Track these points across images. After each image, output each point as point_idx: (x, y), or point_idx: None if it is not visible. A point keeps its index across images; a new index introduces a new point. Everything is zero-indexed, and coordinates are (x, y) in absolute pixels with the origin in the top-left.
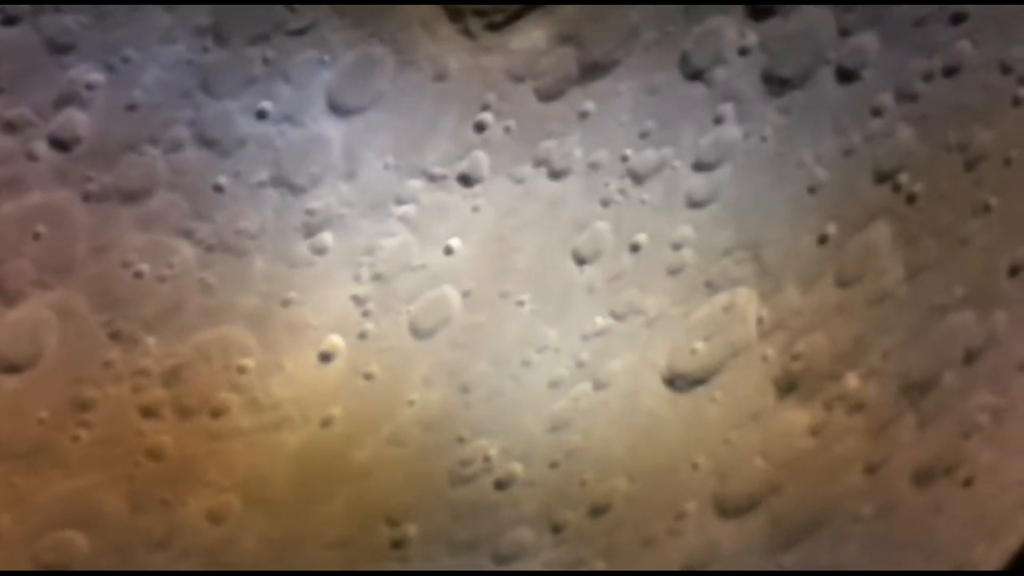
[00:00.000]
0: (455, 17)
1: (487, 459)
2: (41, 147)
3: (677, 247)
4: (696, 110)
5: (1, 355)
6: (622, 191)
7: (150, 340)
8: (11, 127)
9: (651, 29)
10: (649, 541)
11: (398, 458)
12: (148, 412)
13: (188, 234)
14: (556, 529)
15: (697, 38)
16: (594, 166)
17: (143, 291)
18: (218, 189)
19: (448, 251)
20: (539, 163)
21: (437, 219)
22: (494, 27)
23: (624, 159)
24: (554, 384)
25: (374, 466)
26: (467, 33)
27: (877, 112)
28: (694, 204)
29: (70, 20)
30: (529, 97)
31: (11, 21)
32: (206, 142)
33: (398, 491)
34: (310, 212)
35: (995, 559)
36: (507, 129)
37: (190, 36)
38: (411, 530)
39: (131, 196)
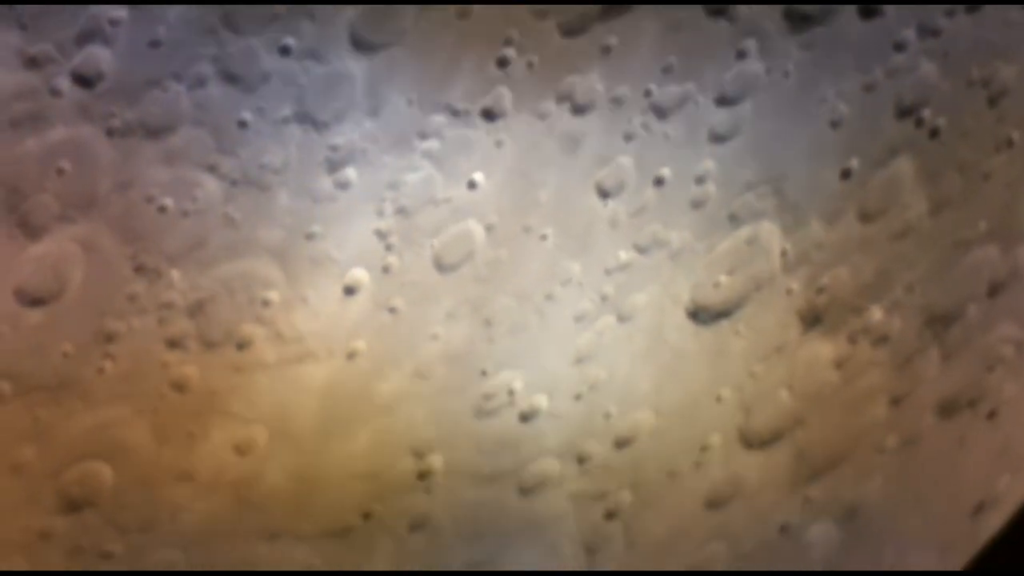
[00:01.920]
0: None
1: (511, 392)
2: (64, 83)
3: (700, 181)
4: (719, 45)
5: (25, 289)
6: (645, 126)
7: (174, 273)
8: (34, 63)
9: None
10: (674, 473)
11: (422, 392)
12: (173, 344)
13: (212, 169)
14: (580, 461)
15: None
16: (617, 101)
17: (167, 225)
18: (242, 125)
19: (471, 185)
20: (562, 98)
21: (460, 154)
22: None
23: (647, 94)
24: (578, 318)
25: (398, 399)
26: None
27: (899, 47)
28: (717, 139)
29: None
30: (552, 33)
31: None
32: (230, 78)
33: (422, 424)
34: (333, 147)
35: (1019, 491)
36: (530, 65)
37: None
38: (436, 462)
39: (155, 132)
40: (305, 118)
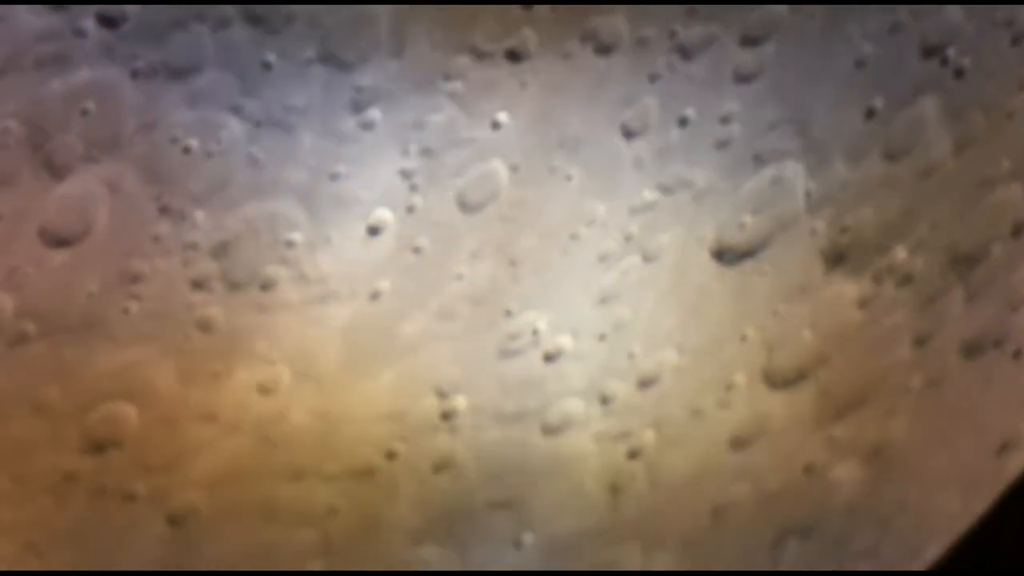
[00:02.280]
0: None
1: (535, 332)
2: (89, 24)
3: (725, 121)
4: None
5: (50, 229)
6: (670, 66)
7: (199, 214)
8: (58, 5)
9: None
10: (698, 413)
11: (446, 332)
12: (197, 285)
13: (236, 110)
14: (604, 401)
15: None
16: (642, 42)
17: (191, 166)
18: (266, 66)
19: (496, 126)
20: (586, 38)
21: (485, 95)
22: None
23: (672, 35)
24: (602, 258)
25: (422, 340)
26: None
27: None
28: (742, 79)
29: None
30: None
31: None
32: (254, 19)
33: (446, 364)
34: (358, 88)
35: None
36: (554, 5)
37: None
38: (460, 402)
39: (179, 73)
40: (329, 59)
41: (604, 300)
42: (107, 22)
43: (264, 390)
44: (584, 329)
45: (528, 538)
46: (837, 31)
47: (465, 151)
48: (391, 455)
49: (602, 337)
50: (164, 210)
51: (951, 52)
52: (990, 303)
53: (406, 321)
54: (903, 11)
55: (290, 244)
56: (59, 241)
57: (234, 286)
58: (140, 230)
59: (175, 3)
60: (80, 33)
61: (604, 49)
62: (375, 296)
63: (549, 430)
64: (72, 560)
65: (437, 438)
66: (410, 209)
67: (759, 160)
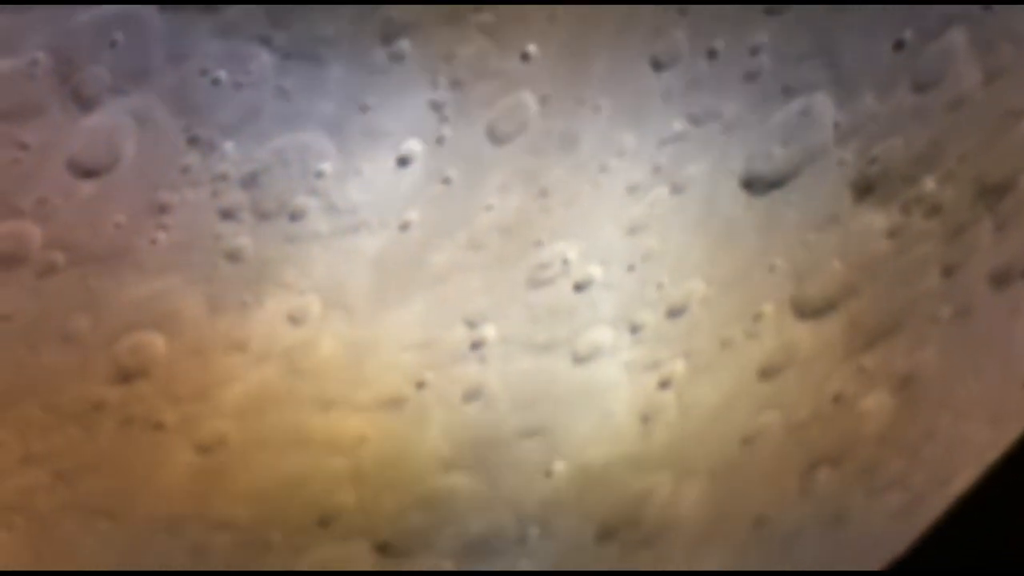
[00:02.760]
0: None
1: (565, 262)
2: None
3: (754, 53)
4: None
5: (79, 160)
6: None
7: (228, 145)
8: None
9: None
10: (727, 342)
11: (476, 262)
12: (226, 215)
13: (265, 41)
14: (634, 330)
15: None
16: None
17: (221, 97)
18: None
19: (525, 58)
20: None
21: (514, 26)
22: None
23: None
24: (631, 189)
25: (452, 270)
26: None
27: None
28: (771, 11)
29: None
30: None
31: None
32: None
33: (476, 294)
34: (387, 20)
35: None
36: None
37: None
38: (489, 332)
39: (208, 4)
40: None
41: (633, 230)
42: None
43: (294, 320)
44: (613, 259)
45: (559, 466)
46: None
47: (495, 83)
48: (421, 384)
49: (631, 267)
50: (193, 141)
51: None
52: (1018, 233)
53: (435, 251)
54: None
55: (320, 175)
56: (87, 172)
57: (263, 216)
58: (169, 161)
59: None
60: None
61: None
62: (405, 227)
63: (579, 359)
64: (101, 489)
65: (467, 367)
66: (440, 140)
67: (788, 92)
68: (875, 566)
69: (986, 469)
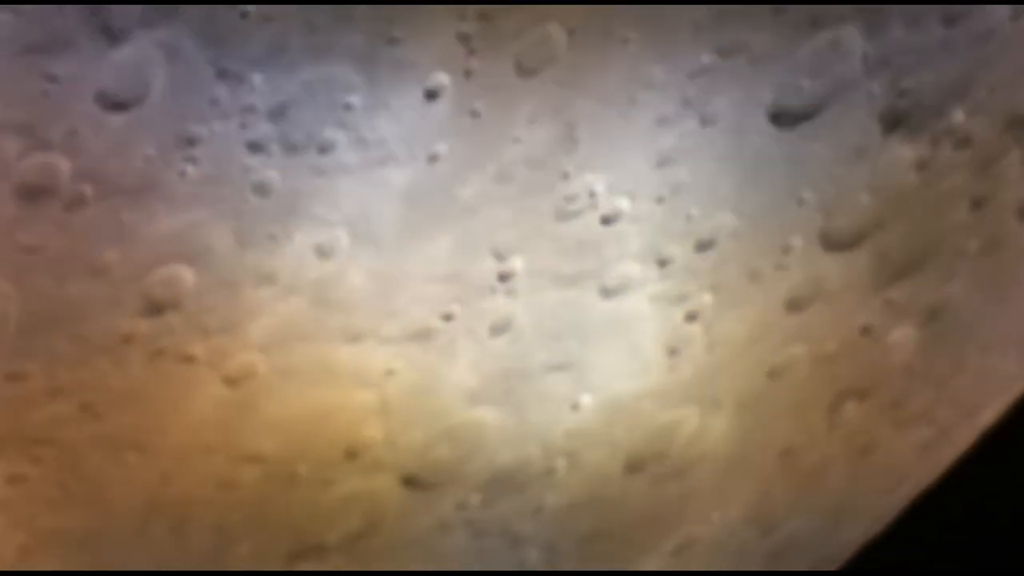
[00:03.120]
0: None
1: (593, 195)
2: None
3: None
4: None
5: (107, 93)
6: None
7: (256, 78)
8: None
9: None
10: (755, 275)
11: (504, 195)
12: (255, 148)
13: None
14: (662, 263)
15: None
16: None
17: (249, 30)
18: None
19: None
20: None
21: None
22: None
23: None
24: (660, 121)
25: (480, 202)
26: None
27: None
28: None
29: None
30: None
31: None
32: None
33: (504, 227)
34: None
35: None
36: None
37: None
38: (517, 265)
39: None
40: None
41: (662, 163)
42: None
43: (322, 253)
44: (642, 192)
45: (586, 399)
46: None
47: (522, 15)
48: (448, 317)
49: (660, 200)
50: (222, 74)
51: None
52: None
53: (463, 184)
54: None
55: (348, 108)
56: (117, 105)
57: (291, 149)
58: (198, 93)
59: None
60: None
61: None
62: (433, 160)
63: (606, 292)
64: (129, 421)
65: (494, 300)
66: (467, 73)
67: (816, 23)
68: (901, 499)
69: (1014, 401)
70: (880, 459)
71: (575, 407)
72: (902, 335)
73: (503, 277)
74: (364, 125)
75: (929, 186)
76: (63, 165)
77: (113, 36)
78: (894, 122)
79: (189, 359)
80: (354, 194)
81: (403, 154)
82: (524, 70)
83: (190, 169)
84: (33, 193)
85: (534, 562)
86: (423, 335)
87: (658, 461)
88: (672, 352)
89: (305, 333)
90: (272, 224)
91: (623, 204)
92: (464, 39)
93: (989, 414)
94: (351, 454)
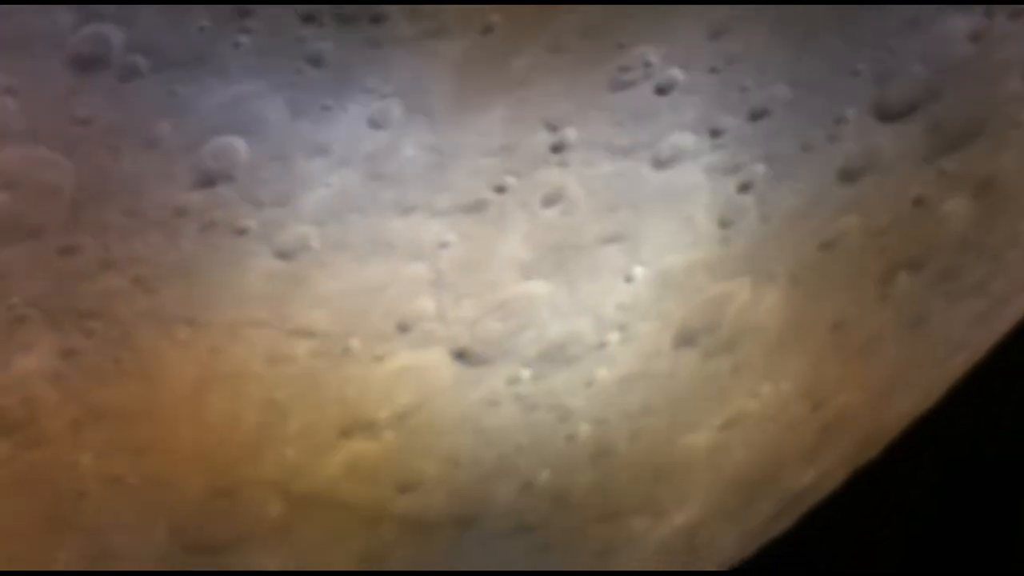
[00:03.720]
0: None
1: (647, 64)
2: None
3: None
4: None
5: None
6: None
7: None
8: None
9: None
10: (808, 146)
11: (558, 65)
12: (308, 19)
13: None
14: (715, 134)
15: None
16: None
17: None
18: None
19: None
20: None
21: None
22: None
23: None
24: None
25: (533, 73)
26: None
27: None
28: None
29: None
30: None
31: None
32: None
33: (557, 98)
34: None
35: None
36: None
37: None
38: (571, 135)
39: None
40: None
41: (716, 34)
42: None
43: (375, 124)
44: (696, 62)
45: (638, 271)
46: None
47: None
48: (501, 189)
49: (714, 70)
50: None
51: None
52: None
53: (517, 55)
54: None
55: None
56: None
57: (345, 20)
58: None
59: None
60: None
61: None
62: (487, 30)
63: (660, 163)
64: (181, 295)
65: (547, 172)
66: None
67: None
68: (954, 371)
69: None
70: (933, 332)
71: (627, 279)
72: (956, 206)
73: (556, 148)
74: None
75: (983, 57)
76: (116, 36)
77: None
78: None
79: (241, 232)
80: (407, 65)
81: (456, 24)
82: None
83: (244, 40)
84: (85, 63)
85: (584, 437)
86: (476, 207)
87: (709, 334)
88: (725, 224)
89: (358, 205)
90: (325, 96)
91: (677, 74)
92: None
93: None
94: (403, 327)
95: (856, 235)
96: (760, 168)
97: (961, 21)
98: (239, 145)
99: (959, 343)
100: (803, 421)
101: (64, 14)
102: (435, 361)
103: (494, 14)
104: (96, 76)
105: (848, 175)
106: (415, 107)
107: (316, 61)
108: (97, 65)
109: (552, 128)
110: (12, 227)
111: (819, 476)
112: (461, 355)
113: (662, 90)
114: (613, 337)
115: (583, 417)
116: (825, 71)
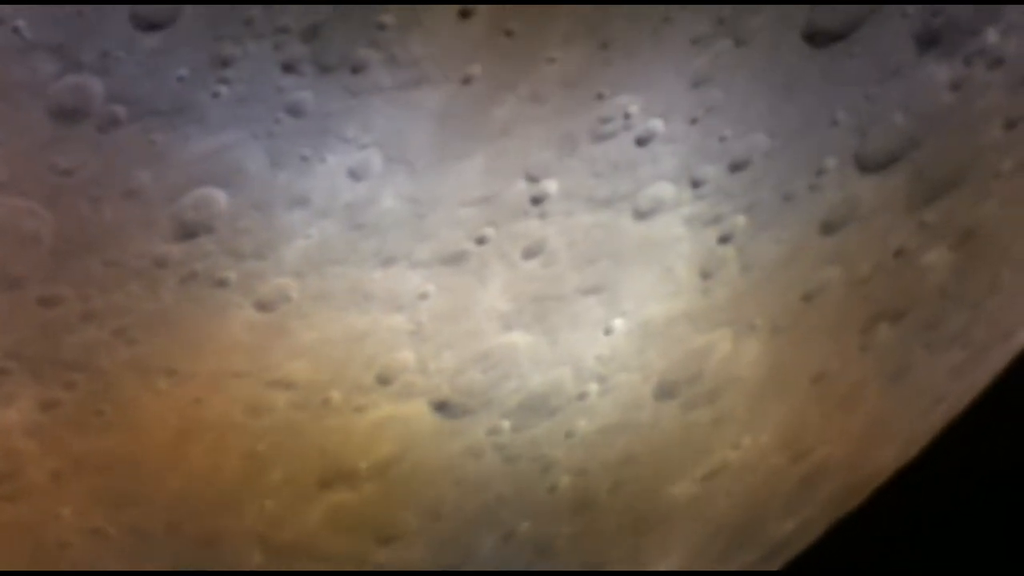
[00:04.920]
0: None
1: (627, 115)
2: None
3: None
4: None
5: (141, 12)
6: None
7: None
8: None
9: None
10: (789, 196)
11: (538, 115)
12: (288, 68)
13: None
14: (696, 184)
15: None
16: None
17: None
18: None
19: None
20: None
21: None
22: None
23: None
24: (695, 40)
25: (514, 123)
26: None
27: None
28: None
29: None
30: None
31: None
32: None
33: (538, 148)
34: None
35: None
36: None
37: None
38: (551, 186)
39: None
40: None
41: (696, 83)
42: None
43: (355, 175)
44: (676, 112)
45: (618, 323)
46: None
47: None
48: (481, 240)
49: (694, 120)
50: None
51: None
52: None
53: (498, 105)
54: None
55: (381, 27)
56: (150, 24)
57: (325, 70)
58: (231, 13)
59: None
60: None
61: None
62: (467, 80)
63: (640, 214)
64: (162, 346)
65: (528, 223)
66: None
67: None
68: (936, 421)
69: None
70: (914, 382)
71: (607, 331)
72: (936, 256)
73: (536, 199)
74: (397, 45)
75: (963, 106)
76: (96, 86)
77: None
78: (928, 42)
79: (222, 283)
80: (387, 115)
81: (436, 74)
82: None
83: (223, 90)
84: (66, 115)
85: (566, 488)
86: (456, 258)
87: (690, 385)
88: (705, 275)
89: (338, 257)
90: (305, 146)
91: (657, 125)
92: None
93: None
94: (383, 379)
95: (837, 286)
96: (741, 219)
97: (941, 70)
98: (219, 196)
99: (940, 393)
100: (785, 471)
101: (45, 64)
102: (416, 412)
103: (474, 64)
104: (76, 126)
105: (829, 226)
106: (395, 157)
107: (296, 111)
108: (77, 115)
109: (532, 179)
110: None
111: (801, 526)
112: (442, 406)
113: (642, 141)
114: (594, 388)
115: (564, 468)
116: (805, 120)
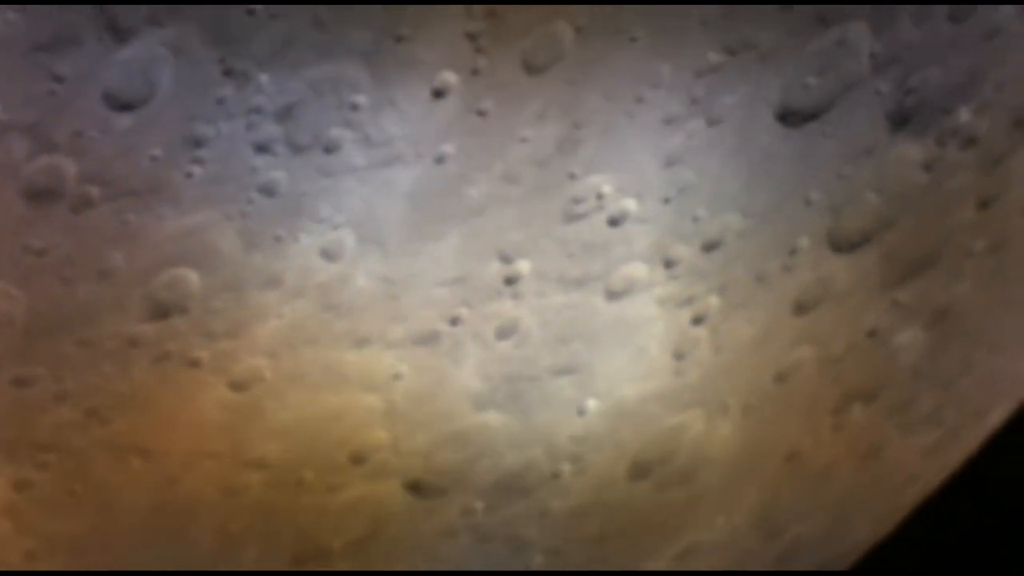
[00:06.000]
0: None
1: (600, 196)
2: None
3: None
4: None
5: (114, 93)
6: None
7: (263, 77)
8: None
9: None
10: (762, 277)
11: (511, 195)
12: (261, 148)
13: None
14: (669, 265)
15: None
16: None
17: (255, 27)
18: None
19: None
20: None
21: None
22: None
23: None
24: (667, 120)
25: (487, 203)
26: None
27: None
28: None
29: None
30: None
31: None
32: None
33: (511, 228)
34: None
35: None
36: None
37: None
38: (524, 267)
39: None
40: None
41: (669, 163)
42: None
43: (328, 255)
44: (649, 192)
45: (591, 403)
46: None
47: (531, 13)
48: (454, 320)
49: (667, 200)
50: (228, 73)
51: None
52: None
53: (471, 185)
54: None
55: (354, 107)
56: (123, 105)
57: (298, 150)
58: (204, 93)
59: None
60: None
61: None
62: (440, 160)
63: (613, 295)
64: (135, 426)
65: (501, 303)
66: (475, 71)
67: (824, 21)
68: (908, 502)
69: (1021, 403)
70: (887, 462)
71: (581, 411)
72: (909, 336)
73: (509, 280)
74: (371, 125)
75: (936, 186)
76: (69, 167)
77: (120, 35)
78: (901, 121)
79: (195, 363)
80: (360, 195)
81: (410, 154)
82: (531, 68)
83: (196, 170)
84: (40, 195)
85: (539, 567)
86: (429, 339)
87: (663, 465)
88: (678, 355)
89: (311, 337)
90: (278, 226)
91: (630, 205)
92: (471, 37)
93: (997, 416)
94: (356, 459)
95: (810, 366)
96: (714, 299)
97: (914, 149)
98: (192, 276)
99: (914, 472)
100: (758, 550)
101: (18, 143)
102: (389, 492)
103: (447, 144)
104: (49, 207)
105: (802, 306)
106: (368, 237)
107: (269, 191)
108: (51, 196)
109: (506, 259)
110: None
111: None
112: (415, 486)
113: (615, 221)
114: (567, 468)
115: (538, 548)
116: (778, 200)
